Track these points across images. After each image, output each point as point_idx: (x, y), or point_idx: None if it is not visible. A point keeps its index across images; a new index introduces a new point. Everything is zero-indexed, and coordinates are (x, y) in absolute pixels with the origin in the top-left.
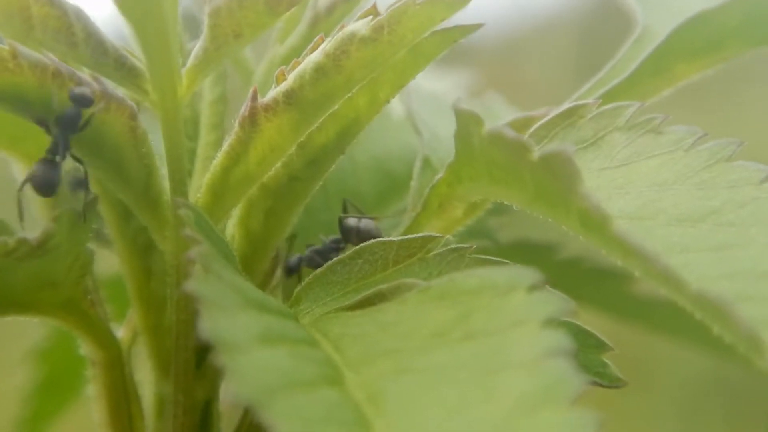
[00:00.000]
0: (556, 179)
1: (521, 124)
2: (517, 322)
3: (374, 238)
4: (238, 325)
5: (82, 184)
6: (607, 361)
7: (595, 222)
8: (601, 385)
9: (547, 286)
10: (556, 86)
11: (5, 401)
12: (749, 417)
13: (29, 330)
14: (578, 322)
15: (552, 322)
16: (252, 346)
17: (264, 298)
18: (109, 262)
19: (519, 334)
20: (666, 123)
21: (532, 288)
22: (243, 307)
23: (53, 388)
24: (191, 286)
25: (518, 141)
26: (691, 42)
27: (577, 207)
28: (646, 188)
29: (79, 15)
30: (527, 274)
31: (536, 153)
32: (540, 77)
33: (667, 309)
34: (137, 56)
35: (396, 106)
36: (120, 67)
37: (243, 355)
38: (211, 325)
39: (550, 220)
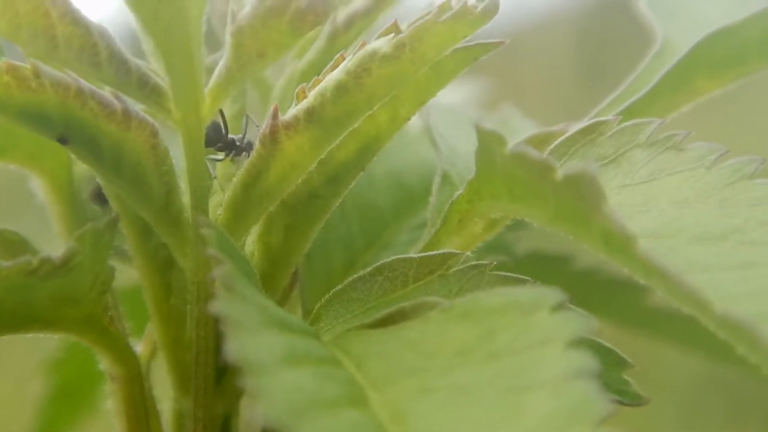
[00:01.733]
0: (580, 199)
1: (540, 140)
2: (542, 341)
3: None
4: (264, 346)
5: (100, 197)
6: (628, 378)
7: (618, 241)
8: (622, 404)
9: (569, 305)
10: (554, 86)
11: (19, 411)
12: (749, 418)
13: (43, 341)
14: (600, 340)
15: (576, 342)
16: (278, 366)
17: (286, 317)
18: (126, 275)
19: (544, 354)
20: (687, 139)
21: (556, 307)
22: (267, 326)
23: (66, 399)
24: (216, 306)
25: (541, 161)
26: (713, 56)
27: (600, 226)
28: (668, 206)
29: (103, 34)
30: (551, 294)
31: (560, 172)
32: (539, 77)
33: (681, 320)
34: (159, 74)
35: (412, 119)
36: (143, 86)
37: (269, 377)
38: (237, 346)
39: (570, 237)
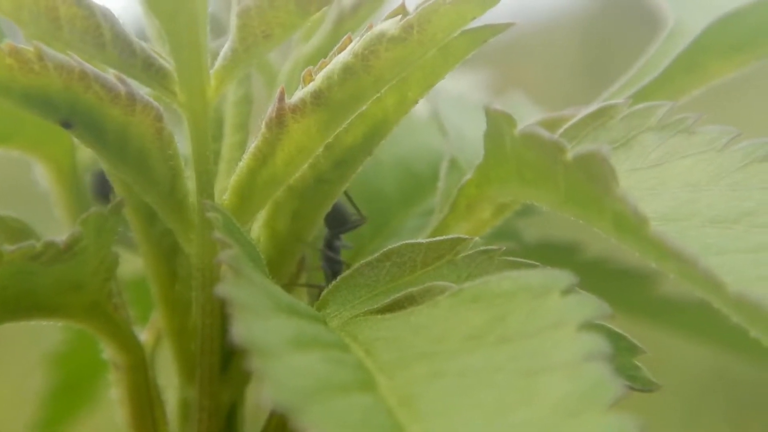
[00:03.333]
0: (591, 180)
1: (550, 124)
2: (553, 325)
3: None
4: (271, 330)
5: (101, 190)
6: (639, 364)
7: (630, 224)
8: (633, 389)
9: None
10: (557, 84)
11: (22, 404)
12: (753, 415)
13: (40, 338)
14: (610, 325)
15: (588, 325)
16: (285, 350)
17: (293, 302)
18: (130, 265)
19: (556, 337)
20: (699, 122)
21: (567, 290)
22: (274, 311)
23: (69, 391)
24: (223, 290)
25: (552, 141)
26: (725, 39)
27: (612, 208)
28: (679, 189)
29: (107, 15)
30: (562, 277)
31: (570, 153)
32: (542, 75)
33: (689, 309)
34: (164, 57)
35: (418, 106)
36: (148, 68)
37: (277, 360)
38: (244, 329)
39: (580, 221)
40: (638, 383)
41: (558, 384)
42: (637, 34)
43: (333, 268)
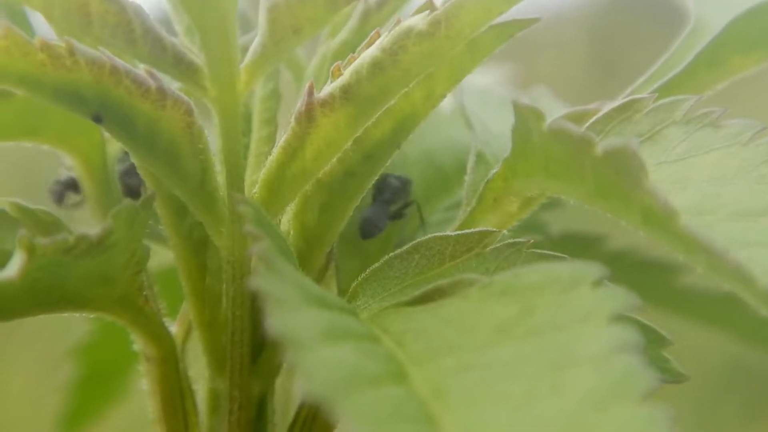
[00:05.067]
0: (620, 174)
1: (575, 119)
2: (583, 317)
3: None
4: (304, 322)
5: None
6: (668, 356)
7: (659, 217)
8: (663, 381)
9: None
10: (568, 80)
11: (50, 398)
12: (766, 410)
13: (54, 337)
14: (638, 317)
15: (618, 317)
16: (318, 342)
17: (324, 294)
18: (159, 257)
19: (585, 329)
20: (724, 116)
21: (597, 283)
22: (306, 303)
23: (95, 383)
24: (256, 282)
25: (581, 135)
26: (747, 34)
27: (641, 202)
28: (705, 183)
29: (138, 11)
30: (591, 269)
31: (599, 147)
32: (552, 71)
33: (712, 301)
34: (194, 52)
35: (443, 101)
36: (178, 63)
37: (311, 352)
38: (278, 322)
39: (607, 214)
40: (667, 375)
41: (588, 376)
42: (647, 29)
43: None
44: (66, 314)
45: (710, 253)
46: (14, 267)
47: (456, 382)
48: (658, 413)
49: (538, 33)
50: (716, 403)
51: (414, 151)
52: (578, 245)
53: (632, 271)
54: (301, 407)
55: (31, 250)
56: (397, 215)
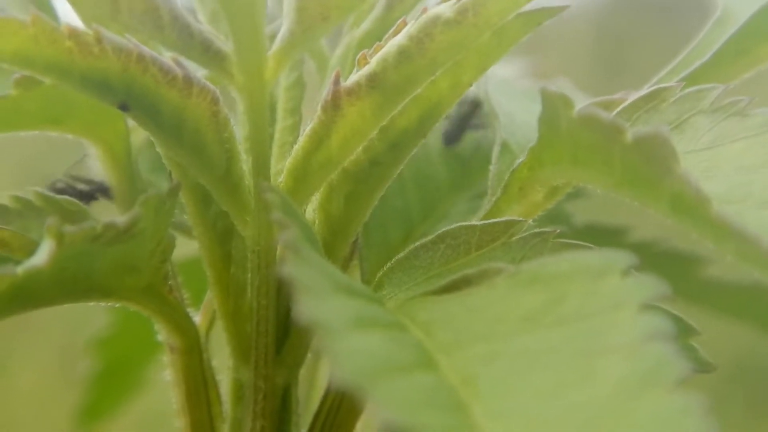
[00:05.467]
0: (651, 161)
1: (603, 107)
2: (613, 305)
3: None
4: (333, 310)
5: None
6: (696, 345)
7: (690, 204)
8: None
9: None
10: (574, 76)
11: (61, 393)
12: None
13: (85, 322)
14: (665, 307)
15: (648, 306)
16: (348, 330)
17: (351, 283)
18: (182, 248)
19: (616, 318)
20: (751, 105)
21: (626, 272)
22: (335, 291)
23: (115, 375)
24: (285, 270)
25: (612, 123)
26: None
27: (671, 189)
28: (733, 172)
29: None
30: (620, 258)
31: (629, 134)
32: (558, 67)
33: (735, 292)
34: (220, 38)
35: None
36: (206, 50)
37: (341, 340)
38: (308, 309)
39: (636, 203)
40: (696, 365)
41: (619, 364)
42: (654, 24)
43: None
44: (76, 310)
45: (742, 240)
46: (43, 255)
47: (485, 370)
48: (691, 401)
49: (545, 28)
50: (722, 400)
51: (437, 140)
52: (602, 236)
53: (655, 261)
54: (326, 396)
55: (59, 238)
56: (474, 126)
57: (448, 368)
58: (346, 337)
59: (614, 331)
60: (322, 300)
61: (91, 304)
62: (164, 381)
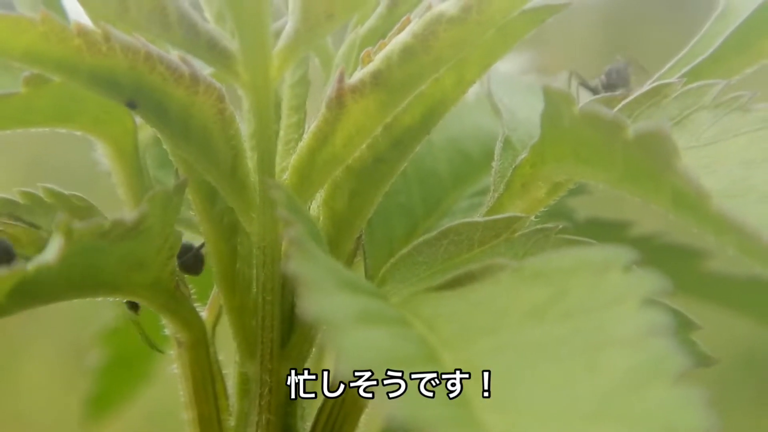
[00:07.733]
0: (652, 157)
1: (605, 103)
2: (616, 300)
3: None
4: (338, 305)
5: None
6: (696, 339)
7: (691, 199)
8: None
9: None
10: (580, 69)
11: (67, 386)
12: None
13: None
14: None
15: (650, 301)
16: (353, 325)
17: (355, 279)
18: None
19: (618, 312)
20: (753, 100)
21: (628, 266)
22: (339, 287)
23: (121, 367)
24: (291, 267)
25: (613, 119)
26: None
27: (672, 184)
28: (735, 167)
29: None
30: (622, 253)
31: (631, 131)
32: (563, 60)
33: (736, 285)
34: (226, 37)
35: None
36: (212, 48)
37: (346, 335)
38: (312, 305)
39: (637, 198)
40: (696, 359)
41: (622, 357)
42: (659, 17)
43: None
44: (85, 304)
45: (742, 234)
46: (53, 251)
47: (490, 364)
48: (693, 394)
49: (550, 21)
50: (728, 393)
51: (441, 138)
52: (604, 230)
53: (656, 255)
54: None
55: (68, 234)
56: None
57: (452, 362)
58: (351, 332)
59: (618, 325)
60: (327, 296)
61: (99, 298)
62: (172, 375)
